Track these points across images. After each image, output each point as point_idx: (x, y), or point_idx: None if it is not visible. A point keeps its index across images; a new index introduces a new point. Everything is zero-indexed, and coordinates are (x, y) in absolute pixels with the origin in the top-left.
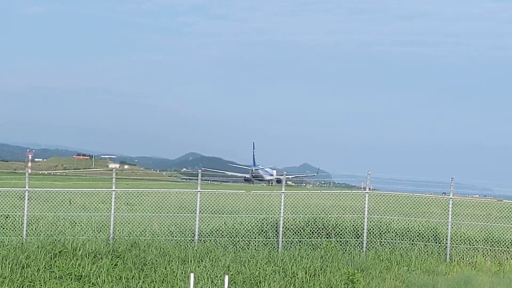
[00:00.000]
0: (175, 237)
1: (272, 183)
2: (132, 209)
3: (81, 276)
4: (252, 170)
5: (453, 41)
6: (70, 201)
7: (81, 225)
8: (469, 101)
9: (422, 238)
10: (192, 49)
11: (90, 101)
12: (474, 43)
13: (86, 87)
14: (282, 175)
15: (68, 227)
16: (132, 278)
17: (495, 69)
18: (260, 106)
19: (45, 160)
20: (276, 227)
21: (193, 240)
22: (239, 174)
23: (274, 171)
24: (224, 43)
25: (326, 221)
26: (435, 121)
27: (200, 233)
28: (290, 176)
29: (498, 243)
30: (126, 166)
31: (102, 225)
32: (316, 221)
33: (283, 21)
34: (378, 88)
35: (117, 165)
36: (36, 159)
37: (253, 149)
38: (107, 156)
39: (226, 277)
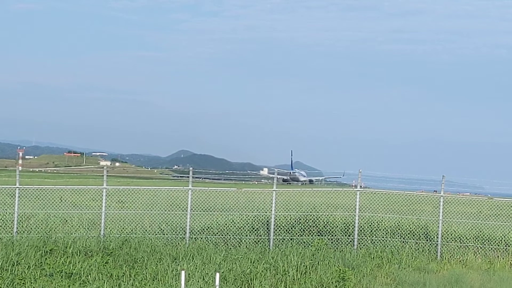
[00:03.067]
0: (166, 234)
1: (305, 183)
2: (123, 206)
3: (72, 273)
4: (290, 173)
5: (445, 38)
6: (61, 199)
7: (72, 223)
8: (460, 99)
9: (413, 236)
10: (183, 46)
11: (81, 98)
12: (466, 41)
13: (78, 84)
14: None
15: (59, 225)
16: (123, 275)
17: (487, 66)
18: (251, 104)
19: (36, 157)
20: (267, 224)
21: (184, 238)
22: (278, 176)
23: (304, 173)
24: (215, 40)
25: (317, 219)
26: (427, 119)
27: (191, 231)
28: (320, 178)
29: (488, 241)
30: (117, 164)
31: (93, 223)
32: (307, 219)
33: (275, 19)
34: (371, 86)
35: (108, 163)
36: (27, 157)
37: (291, 155)
38: (98, 154)
39: (217, 274)
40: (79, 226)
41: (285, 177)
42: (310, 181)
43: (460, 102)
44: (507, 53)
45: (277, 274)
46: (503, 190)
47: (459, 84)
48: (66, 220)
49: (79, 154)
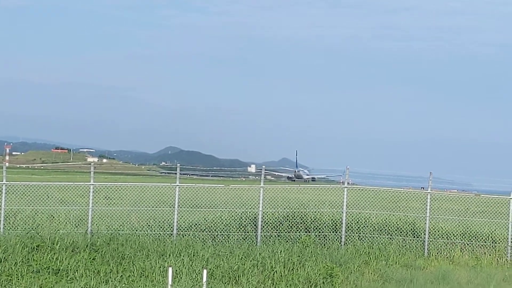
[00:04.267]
0: (154, 231)
1: (308, 180)
2: (111, 203)
3: (59, 270)
4: (295, 171)
5: (435, 35)
6: (48, 195)
7: (59, 219)
8: (449, 96)
9: (401, 232)
10: (172, 42)
11: (69, 94)
12: (456, 38)
13: (66, 81)
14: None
15: (46, 221)
16: (110, 272)
17: (476, 64)
18: (239, 100)
19: (23, 153)
20: (255, 221)
21: (171, 234)
22: (283, 174)
23: (307, 171)
24: (204, 37)
25: (305, 216)
26: (415, 116)
27: (178, 227)
28: (322, 176)
29: (475, 237)
30: (104, 160)
31: (80, 219)
32: (294, 216)
33: (263, 15)
34: (359, 83)
35: (96, 159)
36: (14, 153)
37: (296, 155)
38: (85, 150)
39: (205, 271)
40: (66, 223)
41: (290, 175)
42: (313, 179)
43: (449, 100)
44: (496, 51)
45: (264, 270)
46: (490, 187)
47: (447, 82)
48: (53, 217)
49: (67, 151)
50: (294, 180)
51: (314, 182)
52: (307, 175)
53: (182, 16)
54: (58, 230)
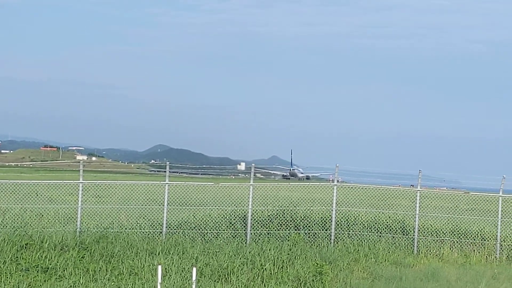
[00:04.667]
0: (143, 229)
1: (303, 178)
2: (100, 201)
3: (48, 268)
4: (290, 170)
5: (421, 33)
6: (37, 193)
7: (48, 217)
8: (437, 93)
9: (390, 230)
10: (161, 40)
11: (58, 92)
12: (442, 35)
13: (55, 78)
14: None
15: (35, 219)
16: (100, 270)
17: (464, 61)
18: (229, 98)
19: (12, 151)
20: (244, 219)
21: (161, 233)
22: (278, 172)
23: (302, 170)
24: (193, 34)
25: (295, 214)
26: (404, 113)
27: (168, 225)
28: (316, 174)
29: (464, 235)
30: (94, 158)
31: (70, 217)
32: (284, 214)
33: (253, 12)
34: (348, 80)
35: (85, 157)
36: (2, 151)
37: (291, 154)
38: (74, 148)
39: (194, 269)
40: (55, 221)
41: (285, 174)
42: (307, 177)
43: (437, 97)
44: (483, 48)
45: (254, 268)
46: (479, 185)
47: (437, 79)
48: (42, 215)
49: (56, 149)
50: (289, 179)
51: (306, 180)
52: (302, 173)
53: (171, 13)
54: (47, 228)
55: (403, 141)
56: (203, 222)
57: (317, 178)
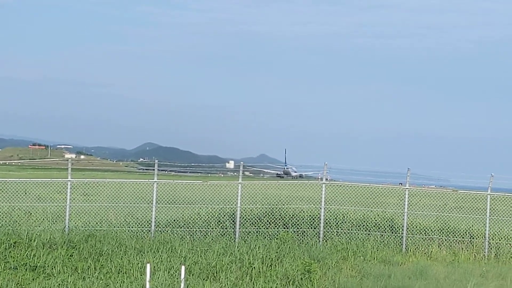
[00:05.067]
0: (132, 227)
1: (296, 177)
2: (88, 199)
3: (36, 266)
4: (284, 168)
5: (416, 32)
6: (25, 192)
7: (36, 216)
8: (426, 93)
9: (379, 228)
10: (151, 39)
11: (46, 90)
12: (436, 35)
13: (43, 76)
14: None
15: (23, 218)
16: (88, 268)
17: (455, 61)
18: (218, 97)
19: (0, 150)
20: (233, 217)
21: (149, 231)
22: (272, 171)
23: (295, 168)
24: (184, 33)
25: (284, 212)
26: (393, 112)
27: (157, 224)
28: (309, 173)
29: (453, 233)
30: (82, 156)
31: (58, 216)
32: (273, 212)
33: (246, 12)
34: (346, 80)
35: (73, 155)
36: None
37: (285, 153)
38: (63, 146)
39: (183, 267)
40: (43, 219)
41: (279, 172)
42: (300, 175)
43: (426, 95)
44: (475, 47)
45: (242, 266)
46: (467, 183)
47: (426, 78)
48: (31, 213)
49: (44, 147)
50: (282, 177)
51: (299, 179)
52: (295, 172)
53: (163, 12)
54: (36, 226)
55: (391, 139)
56: (192, 221)
57: (309, 177)
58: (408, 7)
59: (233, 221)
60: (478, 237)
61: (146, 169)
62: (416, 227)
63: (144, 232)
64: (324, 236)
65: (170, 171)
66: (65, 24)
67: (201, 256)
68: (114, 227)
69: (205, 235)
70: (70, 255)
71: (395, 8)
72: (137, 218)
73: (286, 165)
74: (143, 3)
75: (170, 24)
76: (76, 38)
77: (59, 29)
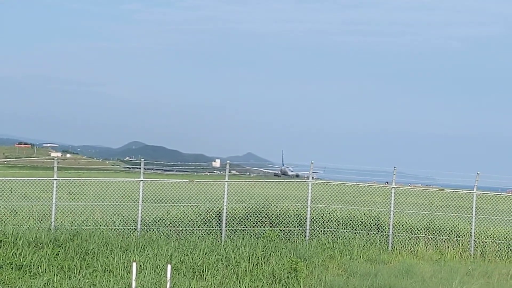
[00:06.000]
0: (118, 226)
1: (293, 176)
2: (74, 198)
3: (22, 265)
4: (281, 168)
5: (400, 30)
6: (11, 190)
7: (22, 214)
8: (412, 90)
9: (365, 227)
10: (136, 36)
11: (32, 88)
12: (421, 32)
13: (29, 75)
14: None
15: (9, 216)
16: (74, 267)
17: (440, 58)
18: (204, 94)
19: None
20: (219, 216)
21: (135, 230)
22: (270, 171)
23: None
24: (168, 31)
25: (270, 210)
26: (379, 110)
27: (143, 223)
28: (305, 173)
29: (439, 231)
30: (68, 155)
31: (44, 214)
32: (260, 210)
33: (230, 10)
34: (325, 77)
35: (59, 154)
36: None
37: (283, 154)
38: (49, 145)
39: (169, 266)
40: (29, 218)
41: (276, 172)
42: (297, 175)
43: (412, 93)
44: (460, 45)
45: (229, 265)
46: (453, 182)
47: (412, 75)
48: (16, 212)
49: (30, 145)
50: (279, 176)
51: (296, 178)
52: (292, 171)
53: (147, 10)
54: (21, 225)
55: (378, 138)
56: (178, 219)
57: (306, 177)
58: (393, 5)
59: (219, 219)
60: (464, 235)
61: (132, 167)
62: (403, 225)
63: (130, 231)
64: (311, 234)
65: (156, 169)
66: (50, 21)
67: (187, 254)
68: (100, 225)
69: (191, 234)
70: (56, 254)
71: (378, 6)
72: (123, 216)
73: (283, 165)
74: (125, 1)
75: (152, 21)
76: (60, 35)
77: (42, 25)
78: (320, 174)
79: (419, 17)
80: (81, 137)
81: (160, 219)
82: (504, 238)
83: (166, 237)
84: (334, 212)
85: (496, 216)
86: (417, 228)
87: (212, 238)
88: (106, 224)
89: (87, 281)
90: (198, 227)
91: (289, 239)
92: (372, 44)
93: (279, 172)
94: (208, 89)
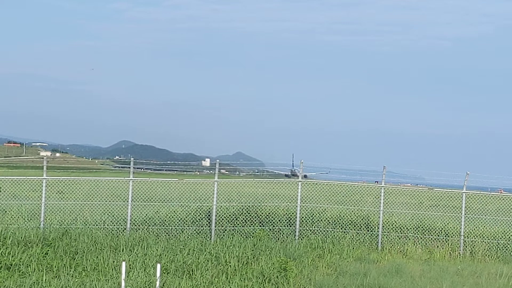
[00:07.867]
0: (107, 225)
1: (301, 177)
2: (64, 197)
3: (11, 265)
4: (292, 170)
5: (387, 30)
6: (0, 189)
7: (11, 214)
8: (401, 90)
9: (354, 226)
10: (124, 35)
11: (21, 86)
12: (408, 32)
13: (18, 73)
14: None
15: None
16: (63, 266)
17: (429, 58)
18: (193, 94)
19: None
20: (209, 215)
21: (125, 229)
22: (277, 171)
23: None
24: (156, 30)
25: (260, 210)
26: (368, 109)
27: (132, 222)
28: (313, 173)
29: (428, 231)
30: (57, 154)
31: (33, 214)
32: (249, 210)
33: (217, 9)
34: (312, 76)
35: (49, 153)
36: None
37: (293, 157)
38: (38, 144)
39: (158, 265)
40: (18, 217)
41: (287, 173)
42: (305, 176)
43: (401, 93)
44: (449, 45)
45: (218, 264)
46: (442, 181)
47: (400, 75)
48: (5, 211)
49: (19, 145)
50: (290, 177)
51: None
52: (299, 173)
53: (134, 9)
54: (10, 224)
55: (367, 137)
56: (167, 219)
57: (313, 177)
58: (382, 4)
59: (209, 219)
60: (454, 235)
61: (121, 167)
62: (392, 225)
63: (119, 230)
64: (300, 234)
65: (146, 169)
66: (39, 20)
67: (177, 254)
68: (90, 225)
69: (181, 233)
70: (45, 253)
71: (367, 5)
72: (113, 216)
73: (293, 167)
74: (114, 0)
75: (139, 20)
76: (48, 34)
77: (30, 23)
78: (334, 175)
79: (409, 16)
80: (70, 136)
81: (150, 218)
82: (493, 237)
83: (155, 236)
84: (323, 211)
85: (485, 216)
86: (407, 228)
87: (202, 237)
88: (95, 223)
89: (76, 280)
90: (188, 226)
91: (278, 238)
92: (361, 43)
93: (290, 173)
94: (197, 88)
